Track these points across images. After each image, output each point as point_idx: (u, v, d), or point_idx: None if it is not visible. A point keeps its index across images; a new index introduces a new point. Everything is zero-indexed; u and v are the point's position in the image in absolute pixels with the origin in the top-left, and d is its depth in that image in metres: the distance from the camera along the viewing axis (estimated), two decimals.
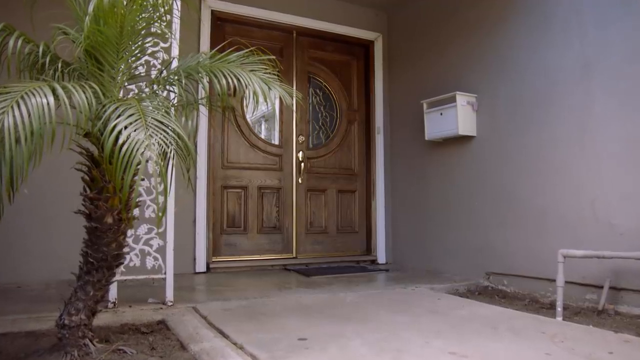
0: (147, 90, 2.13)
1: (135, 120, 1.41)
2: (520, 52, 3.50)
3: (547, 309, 3.09)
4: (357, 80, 4.99)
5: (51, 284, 3.20)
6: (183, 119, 1.77)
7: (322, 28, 4.68)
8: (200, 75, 1.66)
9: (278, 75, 1.91)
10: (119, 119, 1.41)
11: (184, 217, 3.89)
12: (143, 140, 1.35)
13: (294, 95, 2.04)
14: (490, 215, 3.69)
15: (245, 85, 1.65)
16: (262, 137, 4.57)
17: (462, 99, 3.80)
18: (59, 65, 1.62)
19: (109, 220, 1.84)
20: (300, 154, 4.60)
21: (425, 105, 4.15)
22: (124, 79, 1.85)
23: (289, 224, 4.52)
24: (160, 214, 1.71)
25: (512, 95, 3.56)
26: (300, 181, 4.59)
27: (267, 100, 1.67)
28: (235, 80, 1.63)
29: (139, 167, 1.38)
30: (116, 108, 1.47)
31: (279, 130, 4.61)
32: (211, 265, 4.03)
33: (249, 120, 4.46)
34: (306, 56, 4.75)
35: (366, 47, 5.00)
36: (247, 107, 4.44)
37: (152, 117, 1.43)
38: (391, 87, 4.93)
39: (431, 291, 3.26)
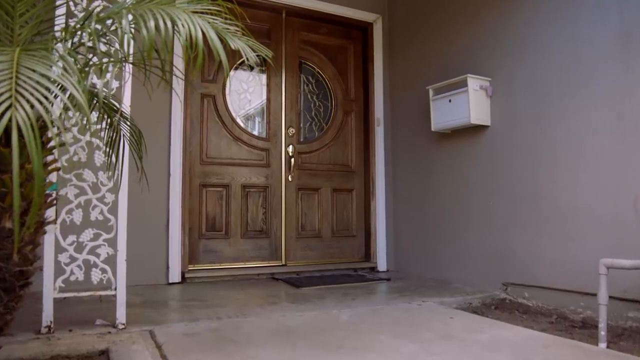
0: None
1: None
2: (542, 27, 3.00)
3: (580, 328, 2.61)
4: (355, 67, 4.48)
5: None
6: (100, 80, 1.26)
7: (316, 8, 4.18)
8: (120, 17, 1.16)
9: (242, 28, 1.41)
10: None
11: (155, 219, 3.40)
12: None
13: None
14: (508, 217, 3.18)
15: (187, 34, 1.15)
16: (248, 130, 4.05)
17: (474, 82, 3.30)
18: None
19: (8, 224, 1.34)
20: (290, 149, 4.09)
21: (431, 92, 3.65)
22: (28, 32, 1.35)
23: (277, 228, 4.01)
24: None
25: (533, 77, 3.06)
26: (290, 179, 4.08)
27: (218, 54, 1.17)
28: (169, 23, 1.13)
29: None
30: None
31: (266, 122, 4.09)
32: (187, 275, 3.51)
33: (231, 109, 3.94)
34: (297, 39, 4.24)
35: (364, 29, 4.50)
36: (229, 93, 3.94)
37: (29, 68, 0.93)
38: (392, 74, 4.42)
39: (441, 306, 2.76)
